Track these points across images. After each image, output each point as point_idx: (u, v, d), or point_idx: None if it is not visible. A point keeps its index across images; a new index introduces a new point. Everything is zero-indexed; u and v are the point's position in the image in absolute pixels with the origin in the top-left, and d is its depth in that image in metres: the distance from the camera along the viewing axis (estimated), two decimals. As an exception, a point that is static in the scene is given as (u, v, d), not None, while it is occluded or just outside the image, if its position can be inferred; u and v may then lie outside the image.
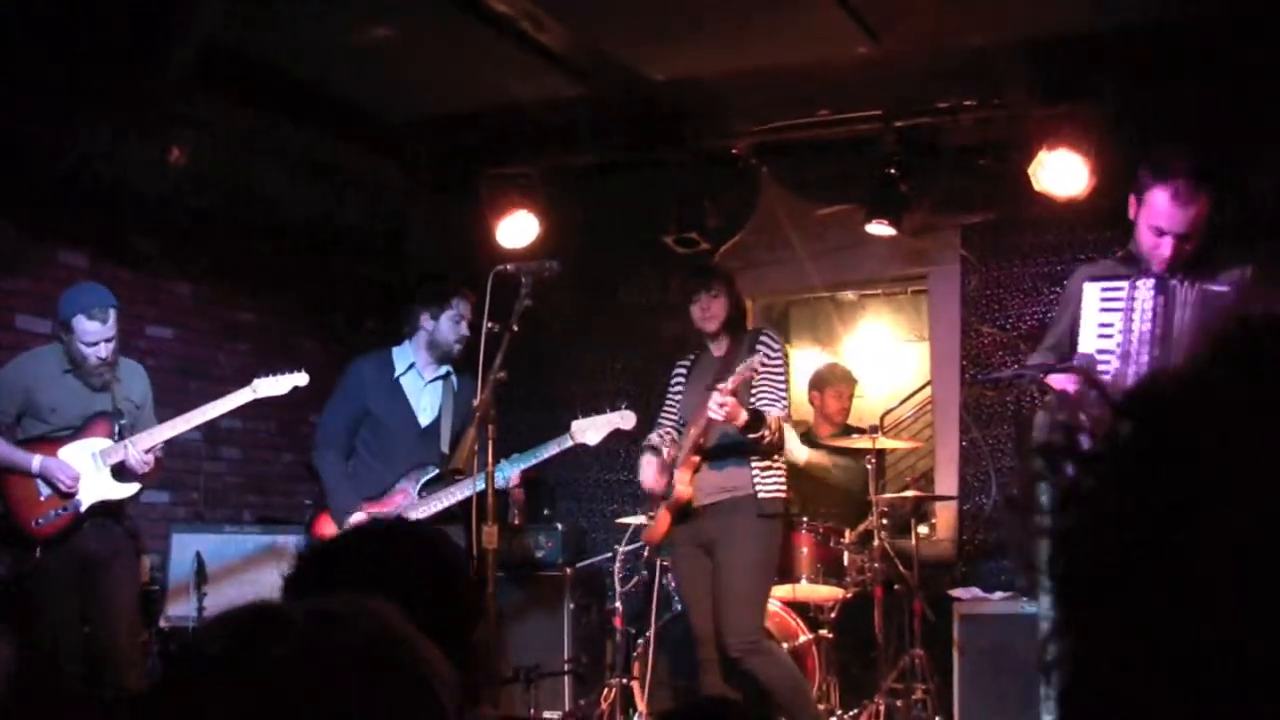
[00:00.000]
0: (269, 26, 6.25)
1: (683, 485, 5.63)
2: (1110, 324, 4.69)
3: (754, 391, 5.61)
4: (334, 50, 6.47)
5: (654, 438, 5.98)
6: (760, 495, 5.57)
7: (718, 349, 5.85)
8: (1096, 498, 0.71)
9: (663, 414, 6.15)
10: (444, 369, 6.22)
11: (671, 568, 6.10)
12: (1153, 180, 4.58)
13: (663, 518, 5.74)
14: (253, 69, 6.64)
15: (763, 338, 5.77)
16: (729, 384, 5.41)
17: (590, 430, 6.03)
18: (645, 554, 6.82)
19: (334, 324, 8.97)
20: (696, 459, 5.65)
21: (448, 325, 6.06)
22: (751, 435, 5.49)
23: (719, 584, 5.60)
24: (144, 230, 7.48)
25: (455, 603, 1.93)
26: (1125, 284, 4.70)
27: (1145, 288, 4.64)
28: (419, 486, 6.06)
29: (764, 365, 5.58)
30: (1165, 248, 4.58)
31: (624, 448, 8.70)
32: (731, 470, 5.63)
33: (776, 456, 5.66)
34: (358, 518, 5.86)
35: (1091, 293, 4.76)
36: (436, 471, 6.03)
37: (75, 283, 6.41)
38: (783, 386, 5.70)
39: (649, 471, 5.84)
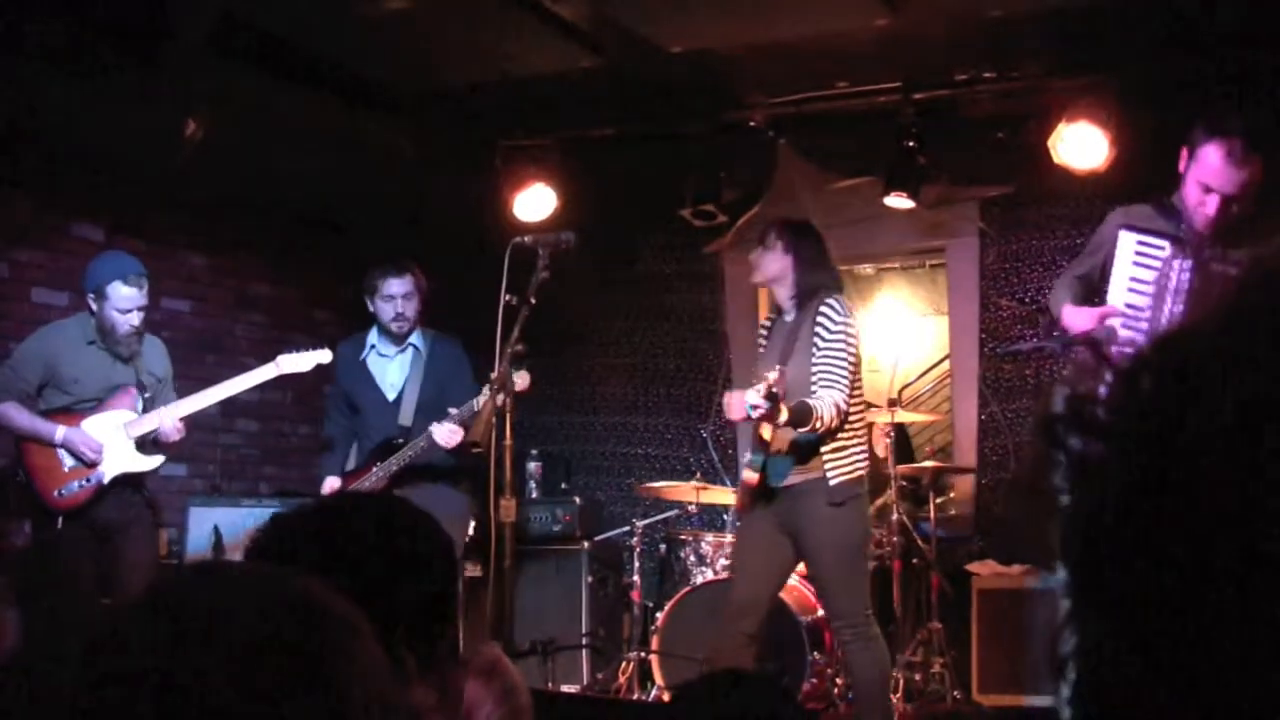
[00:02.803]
0: (284, -1, 6.23)
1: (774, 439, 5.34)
2: (1144, 280, 4.57)
3: (813, 371, 5.24)
4: (350, 23, 6.44)
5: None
6: (831, 481, 5.23)
7: (789, 314, 5.46)
8: (1104, 473, 0.64)
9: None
10: (407, 343, 6.36)
11: (738, 531, 5.87)
12: (1207, 136, 4.47)
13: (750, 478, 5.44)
14: (268, 42, 6.61)
15: (823, 308, 5.28)
16: (766, 386, 4.99)
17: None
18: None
19: (349, 297, 8.97)
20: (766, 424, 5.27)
21: (382, 306, 6.31)
22: (801, 430, 5.18)
23: (811, 574, 5.49)
24: (159, 203, 7.49)
25: (415, 577, 1.84)
26: (1164, 244, 4.57)
27: (1179, 268, 4.52)
28: (383, 460, 6.20)
29: (823, 342, 5.24)
30: (1210, 206, 4.48)
31: (641, 421, 8.74)
32: (804, 452, 5.30)
33: (849, 434, 5.28)
34: (330, 484, 6.29)
35: (1127, 242, 4.62)
36: (402, 443, 6.17)
37: (94, 255, 6.39)
38: (840, 365, 5.21)
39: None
